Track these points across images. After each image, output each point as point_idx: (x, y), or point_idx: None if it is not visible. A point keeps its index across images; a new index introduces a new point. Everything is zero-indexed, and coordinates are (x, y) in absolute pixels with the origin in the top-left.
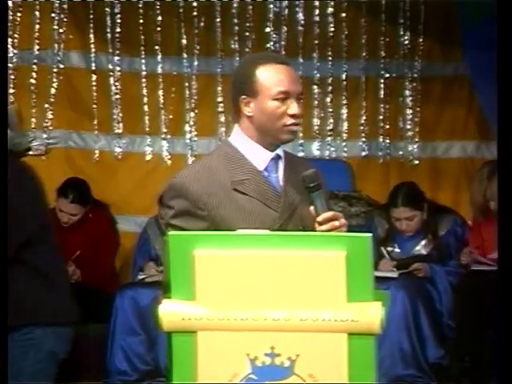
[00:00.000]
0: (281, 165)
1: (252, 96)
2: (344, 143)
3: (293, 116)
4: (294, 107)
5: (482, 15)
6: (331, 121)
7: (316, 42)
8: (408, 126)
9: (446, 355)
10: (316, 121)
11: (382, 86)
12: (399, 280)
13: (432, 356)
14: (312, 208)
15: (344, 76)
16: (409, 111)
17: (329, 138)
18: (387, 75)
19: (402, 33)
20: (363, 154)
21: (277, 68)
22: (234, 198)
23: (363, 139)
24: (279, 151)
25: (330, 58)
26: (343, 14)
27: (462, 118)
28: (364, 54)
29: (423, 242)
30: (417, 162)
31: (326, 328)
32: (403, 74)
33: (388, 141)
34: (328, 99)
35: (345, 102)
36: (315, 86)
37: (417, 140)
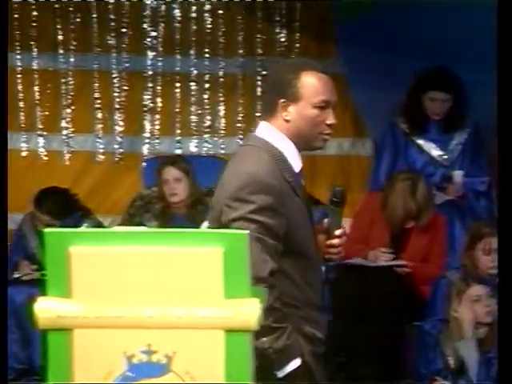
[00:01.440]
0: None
1: (292, 101)
2: (221, 140)
3: (330, 126)
4: (331, 117)
5: (357, 13)
6: (208, 118)
7: (193, 38)
8: None
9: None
10: (193, 118)
11: (258, 83)
12: None
13: None
14: (326, 220)
15: (221, 73)
16: None
17: (206, 135)
18: (264, 72)
19: (278, 30)
20: None
21: (319, 77)
22: (293, 197)
23: (240, 136)
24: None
25: (207, 55)
26: (220, 11)
27: (337, 116)
28: (241, 51)
29: None
30: None
31: (202, 325)
32: None
33: None
34: (205, 96)
35: (222, 98)
36: (192, 83)
37: None
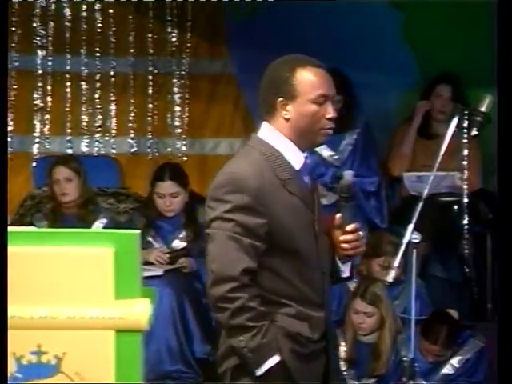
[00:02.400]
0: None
1: (290, 99)
2: (113, 140)
3: (330, 119)
4: (331, 111)
5: (249, 14)
6: (99, 117)
7: (83, 37)
8: (176, 123)
9: (213, 350)
10: (84, 117)
11: (150, 82)
12: (165, 277)
13: (199, 351)
14: (339, 216)
15: (112, 72)
16: (177, 108)
17: (97, 135)
18: (155, 72)
19: (169, 30)
20: (132, 150)
21: (315, 71)
22: (284, 196)
23: (132, 136)
24: (307, 153)
25: (98, 54)
26: (111, 10)
27: (229, 116)
28: (132, 50)
29: (183, 234)
30: (185, 158)
31: (93, 325)
32: (171, 71)
33: (156, 137)
34: (96, 95)
35: (113, 98)
36: (83, 83)
37: (185, 137)
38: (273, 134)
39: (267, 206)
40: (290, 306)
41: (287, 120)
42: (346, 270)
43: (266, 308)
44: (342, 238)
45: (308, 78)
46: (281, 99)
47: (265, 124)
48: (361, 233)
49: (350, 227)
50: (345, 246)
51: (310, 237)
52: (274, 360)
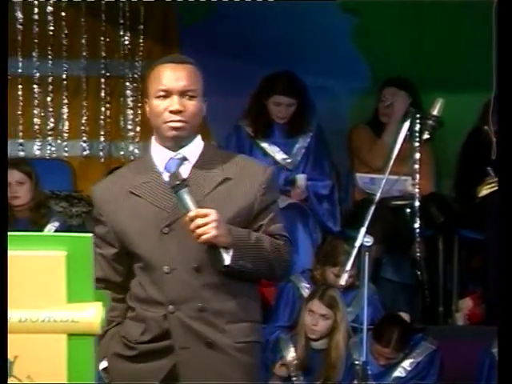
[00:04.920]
0: (188, 165)
1: (147, 98)
2: (65, 143)
3: (174, 112)
4: (174, 104)
5: (201, 16)
6: (52, 120)
7: (35, 40)
8: (129, 126)
9: None
10: (36, 120)
11: (102, 85)
12: None
13: None
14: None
15: (64, 75)
16: (130, 111)
17: (49, 138)
18: (108, 75)
19: (122, 33)
20: (84, 153)
21: (164, 67)
22: (131, 202)
23: (84, 139)
24: (186, 152)
25: (50, 57)
26: (63, 13)
27: None
28: (84, 53)
29: None
30: None
31: (45, 329)
32: (124, 73)
33: (109, 141)
34: (49, 98)
35: (66, 101)
36: (35, 86)
37: (137, 140)
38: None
39: (109, 214)
40: (133, 308)
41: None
42: (227, 259)
43: (127, 313)
44: (191, 226)
45: (154, 75)
46: (145, 100)
47: None
48: (200, 220)
49: (192, 214)
50: (195, 234)
51: (153, 238)
52: (102, 365)
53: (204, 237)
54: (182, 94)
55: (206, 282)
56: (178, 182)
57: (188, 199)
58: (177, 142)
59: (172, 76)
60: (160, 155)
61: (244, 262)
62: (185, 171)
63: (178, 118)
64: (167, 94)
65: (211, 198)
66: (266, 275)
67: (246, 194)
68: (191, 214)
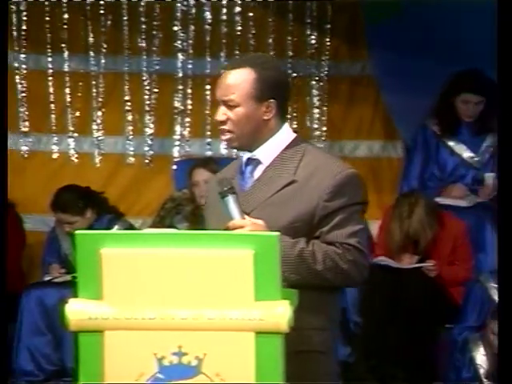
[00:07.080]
0: (261, 167)
1: None
2: None
3: (217, 122)
4: (218, 113)
5: (388, 15)
6: None
7: (223, 41)
8: (315, 125)
9: (353, 353)
10: None
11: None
12: None
13: (339, 354)
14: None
15: None
16: (316, 110)
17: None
18: (294, 74)
19: (308, 32)
20: None
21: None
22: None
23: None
24: (260, 153)
25: (238, 56)
26: (250, 14)
27: (368, 118)
28: (271, 53)
29: None
30: None
31: (233, 327)
32: (310, 73)
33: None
34: None
35: None
36: None
37: (324, 139)
38: None
39: (204, 209)
40: None
41: None
42: None
43: None
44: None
45: None
46: None
47: None
48: (238, 229)
49: (230, 223)
50: None
51: None
52: None
53: None
54: (225, 103)
55: None
56: (225, 189)
57: (233, 207)
58: (233, 148)
59: (218, 85)
60: (243, 156)
61: (285, 274)
62: (258, 172)
63: (223, 127)
64: (218, 104)
65: (271, 201)
66: (321, 285)
67: (310, 198)
68: (229, 223)
